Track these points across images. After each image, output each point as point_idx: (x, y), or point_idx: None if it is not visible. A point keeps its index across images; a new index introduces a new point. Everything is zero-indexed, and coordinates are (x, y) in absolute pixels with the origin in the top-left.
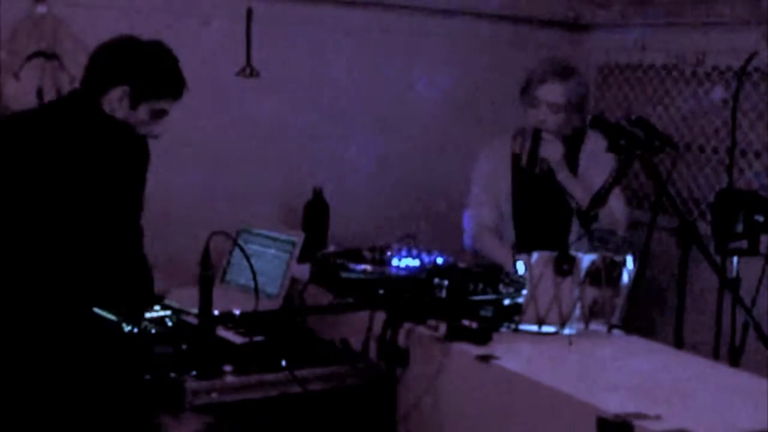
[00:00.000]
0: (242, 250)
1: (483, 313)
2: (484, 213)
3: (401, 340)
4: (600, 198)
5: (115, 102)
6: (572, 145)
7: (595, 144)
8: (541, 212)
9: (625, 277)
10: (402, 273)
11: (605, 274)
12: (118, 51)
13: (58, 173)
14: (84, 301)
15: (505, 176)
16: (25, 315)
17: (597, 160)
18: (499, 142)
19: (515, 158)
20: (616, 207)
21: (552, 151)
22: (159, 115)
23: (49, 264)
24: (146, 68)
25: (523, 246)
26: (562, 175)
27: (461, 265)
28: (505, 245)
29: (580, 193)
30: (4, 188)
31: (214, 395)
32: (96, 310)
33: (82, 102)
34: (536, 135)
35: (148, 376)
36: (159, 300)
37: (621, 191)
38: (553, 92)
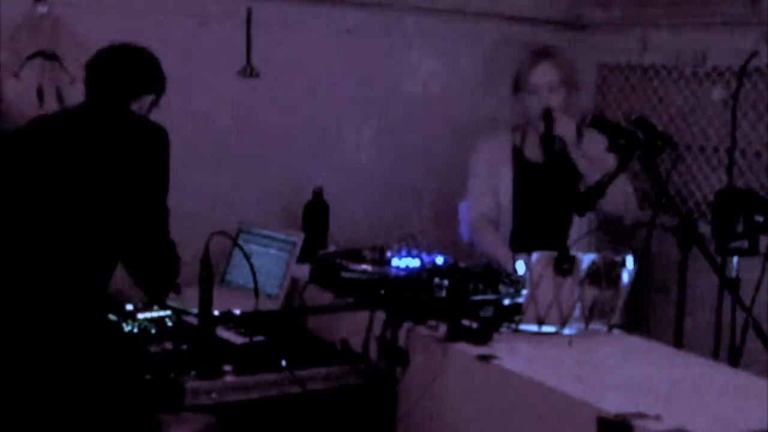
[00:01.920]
0: (242, 250)
1: (483, 313)
2: (482, 204)
3: (401, 340)
4: (598, 189)
5: (143, 108)
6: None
7: (591, 136)
8: (542, 205)
9: (625, 277)
10: (402, 273)
11: (605, 274)
12: (139, 62)
13: (98, 172)
14: (91, 302)
15: (506, 168)
16: (26, 315)
17: (600, 151)
18: (500, 133)
19: (516, 150)
20: (625, 188)
21: (565, 127)
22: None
23: (65, 260)
24: (160, 75)
25: (521, 239)
26: (577, 153)
27: (461, 265)
28: (502, 238)
29: (590, 169)
30: (41, 183)
31: (214, 395)
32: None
33: (115, 105)
34: (547, 114)
35: (148, 376)
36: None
37: (627, 178)
38: (546, 72)
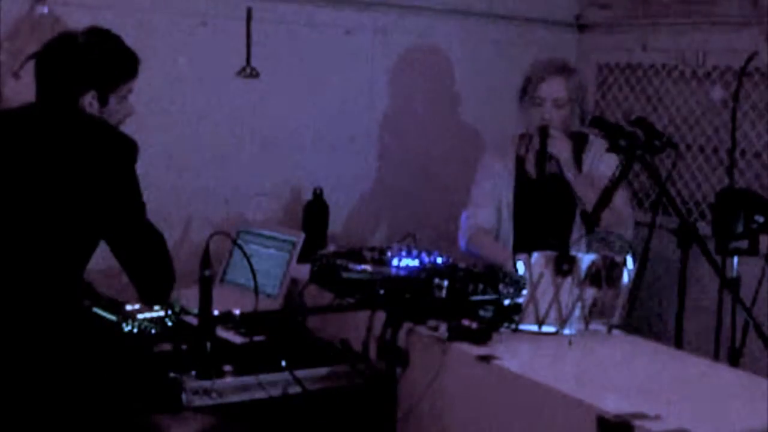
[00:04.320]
0: (242, 250)
1: (483, 313)
2: (481, 215)
3: (401, 340)
4: (603, 199)
5: (87, 107)
6: (576, 147)
7: (598, 146)
8: (543, 217)
9: (625, 277)
10: (402, 273)
11: (605, 274)
12: (71, 61)
13: (51, 173)
14: (84, 301)
15: (509, 179)
16: (24, 314)
17: (601, 161)
18: (504, 144)
19: (519, 161)
20: (623, 208)
21: (560, 147)
22: (126, 97)
23: (47, 260)
24: (103, 66)
25: (522, 250)
26: (571, 174)
27: (461, 265)
28: (501, 247)
29: (587, 191)
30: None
31: (214, 395)
32: (95, 309)
33: (62, 107)
34: (544, 132)
35: (148, 376)
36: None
37: (627, 192)
38: (555, 88)
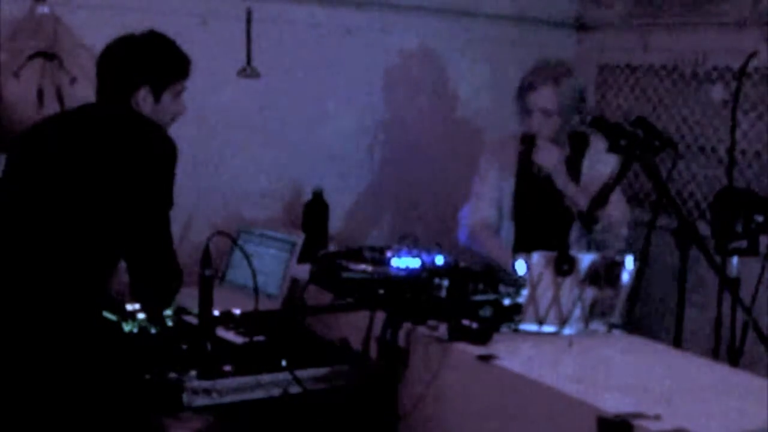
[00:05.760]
0: (242, 250)
1: (483, 313)
2: (483, 209)
3: (401, 340)
4: (600, 198)
5: (141, 102)
6: (577, 149)
7: (599, 146)
8: (543, 214)
9: (625, 277)
10: (402, 273)
11: (605, 274)
12: (128, 57)
13: (99, 172)
14: (89, 302)
15: (510, 174)
16: (27, 314)
17: (601, 162)
18: (508, 139)
19: (521, 159)
20: (618, 205)
21: (547, 157)
22: (178, 95)
23: (65, 260)
24: (158, 62)
25: (522, 247)
26: (561, 181)
27: (461, 265)
28: (501, 245)
29: (578, 197)
30: (47, 180)
31: (214, 395)
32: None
33: (117, 106)
34: (529, 141)
35: (148, 376)
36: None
37: (621, 192)
38: (544, 98)
